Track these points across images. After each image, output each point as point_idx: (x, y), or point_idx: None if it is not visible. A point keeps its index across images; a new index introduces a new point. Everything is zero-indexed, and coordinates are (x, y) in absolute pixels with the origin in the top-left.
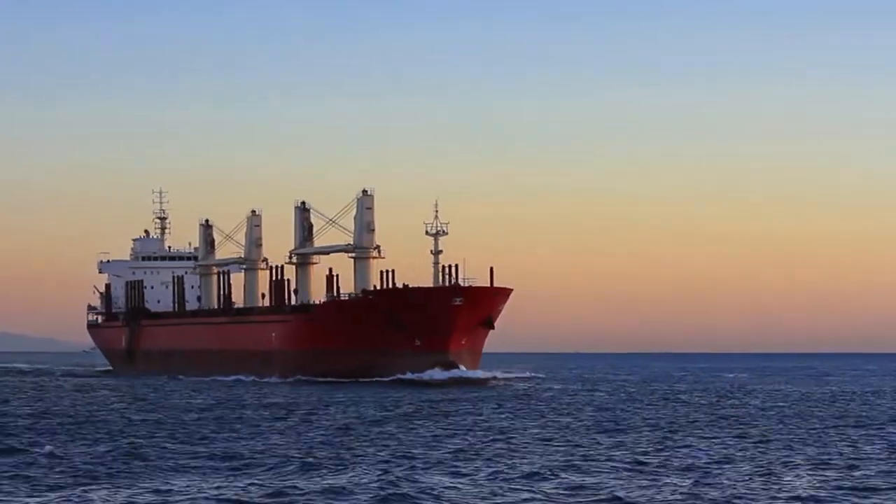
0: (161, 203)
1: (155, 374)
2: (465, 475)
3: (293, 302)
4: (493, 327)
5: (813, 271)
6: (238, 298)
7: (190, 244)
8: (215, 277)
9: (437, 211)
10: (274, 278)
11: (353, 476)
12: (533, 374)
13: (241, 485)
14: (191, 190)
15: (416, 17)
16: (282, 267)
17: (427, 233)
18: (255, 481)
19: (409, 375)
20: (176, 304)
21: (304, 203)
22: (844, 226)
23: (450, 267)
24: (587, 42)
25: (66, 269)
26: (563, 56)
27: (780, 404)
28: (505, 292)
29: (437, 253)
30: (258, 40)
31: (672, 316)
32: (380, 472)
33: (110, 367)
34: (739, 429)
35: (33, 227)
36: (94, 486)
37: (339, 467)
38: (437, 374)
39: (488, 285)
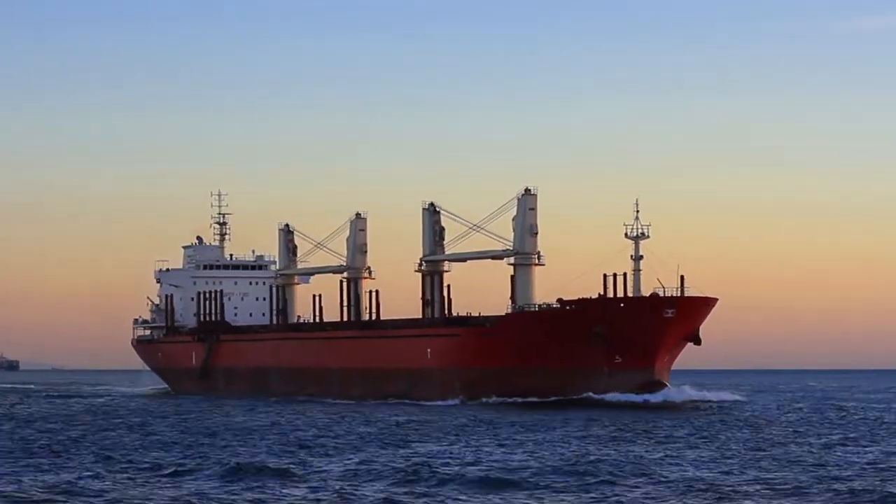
0: (220, 206)
1: (242, 395)
2: None
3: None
4: (699, 342)
5: None
6: (330, 310)
7: (253, 251)
8: (298, 287)
9: (637, 211)
10: (427, 287)
11: None
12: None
13: None
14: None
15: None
16: (439, 275)
17: (626, 235)
18: None
19: (613, 396)
20: (277, 316)
21: (432, 204)
22: None
23: (624, 275)
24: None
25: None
26: (753, 61)
27: None
28: (711, 302)
29: (637, 258)
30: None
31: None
32: None
33: (164, 387)
34: None
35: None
36: None
37: None
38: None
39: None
